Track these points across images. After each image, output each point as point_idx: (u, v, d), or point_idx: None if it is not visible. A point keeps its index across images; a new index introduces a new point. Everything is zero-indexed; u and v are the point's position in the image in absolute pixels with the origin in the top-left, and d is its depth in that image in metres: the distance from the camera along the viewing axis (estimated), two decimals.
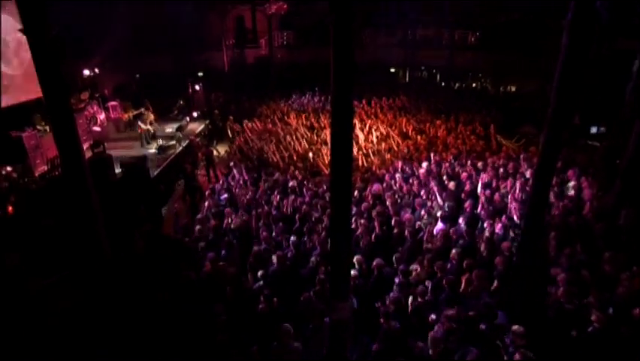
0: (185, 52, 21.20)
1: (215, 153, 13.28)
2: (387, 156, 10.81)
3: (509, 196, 7.81)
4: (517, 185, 7.93)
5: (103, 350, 5.54)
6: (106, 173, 9.30)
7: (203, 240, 7.22)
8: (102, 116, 14.74)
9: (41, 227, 7.62)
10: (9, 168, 9.62)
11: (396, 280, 5.62)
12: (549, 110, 4.27)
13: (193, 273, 6.34)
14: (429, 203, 8.16)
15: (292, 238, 6.74)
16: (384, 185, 8.82)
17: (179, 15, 20.01)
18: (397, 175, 9.28)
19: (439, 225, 7.35)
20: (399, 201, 8.17)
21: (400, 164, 9.85)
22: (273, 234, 7.13)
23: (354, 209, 8.00)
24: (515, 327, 4.22)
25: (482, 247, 6.47)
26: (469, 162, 9.69)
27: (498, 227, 7.03)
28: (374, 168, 9.90)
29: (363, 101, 16.13)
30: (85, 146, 12.66)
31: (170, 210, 9.20)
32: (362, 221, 7.25)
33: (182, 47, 20.88)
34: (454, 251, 6.21)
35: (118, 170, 10.37)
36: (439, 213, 7.64)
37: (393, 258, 6.20)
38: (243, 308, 5.80)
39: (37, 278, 7.18)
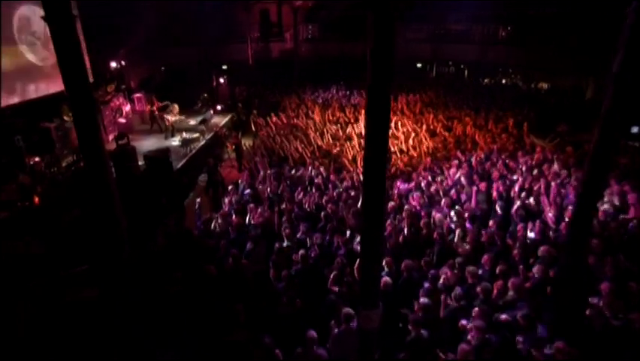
0: (210, 45, 21.20)
1: None
2: (414, 153, 10.46)
3: (543, 199, 7.41)
4: (553, 187, 7.52)
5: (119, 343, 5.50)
6: (129, 165, 9.28)
7: (225, 236, 7.09)
8: (127, 107, 14.85)
9: (67, 217, 7.64)
10: (37, 159, 9.72)
11: (425, 285, 5.34)
12: (603, 108, 3.90)
13: (214, 268, 6.23)
14: (458, 203, 7.83)
15: (316, 236, 6.52)
16: (412, 184, 8.51)
17: (205, 8, 20.02)
18: (425, 174, 8.95)
19: (469, 227, 7.02)
20: (427, 200, 7.85)
21: (428, 162, 9.51)
22: (297, 231, 6.94)
23: None
24: (558, 343, 3.89)
25: (515, 253, 6.13)
26: (500, 161, 9.26)
27: (532, 231, 6.66)
28: (401, 166, 9.58)
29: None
30: (110, 137, 12.84)
31: (193, 204, 9.10)
32: (389, 221, 6.97)
33: (208, 40, 20.88)
34: (486, 256, 5.89)
35: (141, 162, 10.37)
36: (469, 214, 7.31)
37: (422, 261, 5.91)
38: (265, 308, 5.65)
39: (63, 268, 7.20)
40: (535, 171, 8.57)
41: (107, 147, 11.33)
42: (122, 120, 14.11)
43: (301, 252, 6.18)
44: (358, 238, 6.83)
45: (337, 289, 5.65)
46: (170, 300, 5.79)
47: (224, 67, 20.92)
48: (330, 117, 13.67)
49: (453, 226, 6.95)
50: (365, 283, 3.89)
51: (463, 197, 7.99)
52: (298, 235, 6.93)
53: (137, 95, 15.89)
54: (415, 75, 21.68)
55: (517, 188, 7.83)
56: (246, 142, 14.36)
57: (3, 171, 9.65)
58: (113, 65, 16.19)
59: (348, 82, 19.16)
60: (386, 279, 5.53)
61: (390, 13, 3.01)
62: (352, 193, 8.07)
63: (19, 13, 11.17)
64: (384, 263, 5.94)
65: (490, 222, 7.00)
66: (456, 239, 6.57)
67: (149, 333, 5.49)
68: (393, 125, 12.43)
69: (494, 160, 9.43)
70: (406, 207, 7.40)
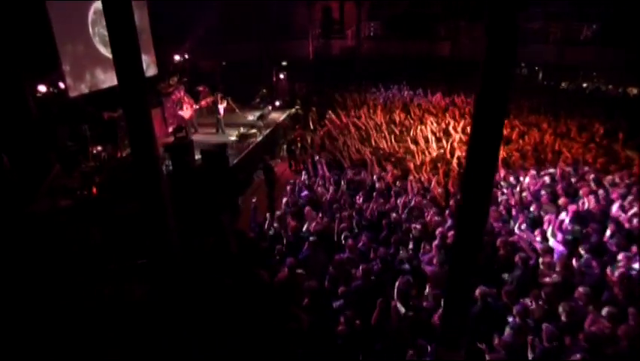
0: (271, 40, 21.14)
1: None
2: None
3: None
4: None
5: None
6: (185, 159, 9.14)
7: (279, 240, 6.68)
8: (188, 100, 14.91)
9: (122, 210, 7.58)
10: (99, 148, 9.87)
11: (510, 320, 4.59)
12: None
13: (266, 274, 5.83)
14: (539, 222, 6.91)
15: (381, 249, 5.92)
16: None
17: (267, 5, 19.93)
18: (501, 185, 8.07)
19: (557, 250, 6.13)
20: (504, 215, 7.00)
21: (502, 172, 8.58)
22: (358, 242, 6.39)
23: (449, 221, 7.01)
24: None
25: (616, 288, 5.20)
26: (590, 175, 8.15)
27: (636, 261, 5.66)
28: None
29: (457, 99, 14.78)
30: (170, 129, 12.93)
31: (247, 202, 8.83)
32: None
33: (268, 36, 20.80)
34: (580, 290, 5.02)
35: (198, 156, 10.26)
36: (555, 237, 6.39)
37: (502, 291, 5.14)
38: (321, 326, 5.16)
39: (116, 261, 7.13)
40: (634, 189, 7.43)
41: (166, 139, 11.49)
42: (182, 113, 14.20)
43: (362, 266, 5.63)
44: (427, 255, 6.21)
45: (403, 311, 5.04)
46: (218, 305, 5.48)
47: (284, 63, 20.77)
48: (393, 118, 12.95)
49: (536, 248, 6.08)
50: (449, 319, 3.25)
51: (546, 214, 7.04)
52: (359, 245, 6.39)
53: (199, 88, 16.00)
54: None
55: (615, 208, 6.77)
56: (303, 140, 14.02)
57: (71, 160, 9.90)
58: (177, 58, 16.42)
59: (412, 82, 18.30)
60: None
61: (513, 13, 2.41)
62: (419, 202, 7.39)
63: (94, 6, 11.48)
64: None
65: (582, 248, 6.06)
66: (541, 265, 5.71)
67: (196, 339, 5.20)
68: (461, 129, 11.55)
69: (583, 174, 8.33)
70: None
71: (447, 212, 7.16)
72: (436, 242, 6.31)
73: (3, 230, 7.18)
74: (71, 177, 8.70)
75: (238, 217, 9.38)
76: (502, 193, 7.82)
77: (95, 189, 7.90)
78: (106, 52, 12.08)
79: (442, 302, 4.02)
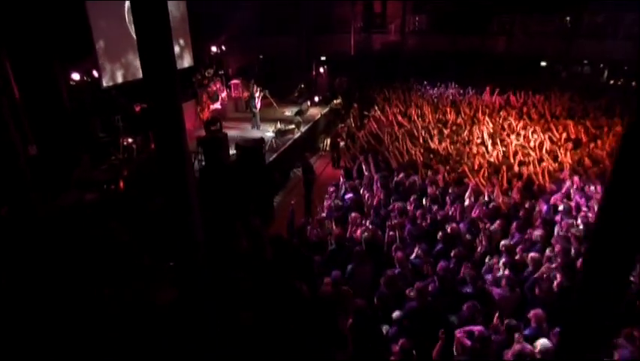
0: (310, 34, 20.61)
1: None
2: (550, 165, 8.51)
3: None
4: None
5: None
6: (218, 154, 8.66)
7: (320, 248, 6.02)
8: (224, 94, 14.60)
9: (151, 206, 7.15)
10: (130, 140, 9.55)
11: None
12: None
13: (306, 288, 5.19)
14: None
15: (440, 264, 5.16)
16: (561, 207, 6.73)
17: None
18: (575, 195, 7.11)
19: None
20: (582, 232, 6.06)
21: (576, 179, 7.59)
22: (411, 254, 5.66)
23: (517, 236, 6.16)
24: None
25: None
26: None
27: None
28: (540, 181, 7.78)
29: (512, 98, 13.71)
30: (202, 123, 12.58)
31: (284, 203, 8.26)
32: (533, 256, 5.38)
33: (308, 29, 20.29)
34: None
35: (232, 151, 9.78)
36: None
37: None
38: (368, 354, 4.48)
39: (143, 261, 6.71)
40: None
41: (198, 133, 11.08)
42: (217, 106, 13.84)
43: (417, 284, 4.90)
44: (492, 273, 5.40)
45: (469, 345, 4.26)
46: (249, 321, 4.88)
47: (323, 58, 20.20)
48: (443, 117, 12.06)
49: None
50: None
51: None
52: (412, 257, 5.66)
53: (235, 81, 15.65)
54: (539, 75, 19.01)
55: None
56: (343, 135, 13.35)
57: (102, 151, 9.65)
58: (214, 49, 16.14)
59: (460, 79, 17.27)
60: (545, 342, 4.05)
61: None
62: (481, 211, 6.56)
63: None
64: (533, 321, 4.44)
65: None
66: None
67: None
68: (519, 130, 10.55)
69: None
70: (557, 240, 5.71)
71: (514, 224, 6.30)
72: (503, 259, 5.52)
73: (30, 222, 6.91)
74: (100, 169, 8.38)
75: (272, 220, 8.82)
76: (577, 203, 6.85)
77: (122, 183, 7.51)
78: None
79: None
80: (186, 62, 13.81)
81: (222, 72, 15.43)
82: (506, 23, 20.41)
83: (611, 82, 18.16)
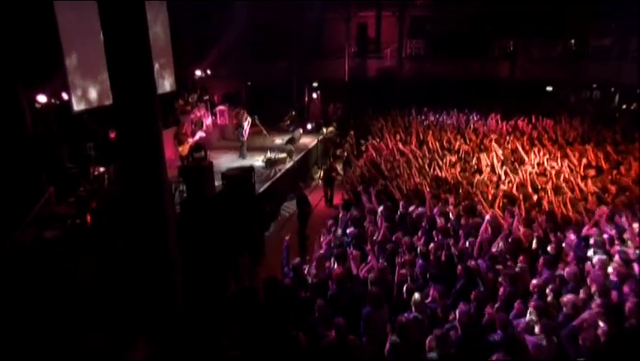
0: (303, 59, 20.70)
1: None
2: (569, 192, 8.21)
3: None
4: None
5: None
6: (202, 185, 8.23)
7: (320, 290, 5.52)
8: (209, 120, 14.29)
9: (120, 244, 6.62)
10: (102, 169, 9.10)
11: None
12: None
13: (304, 337, 4.67)
14: None
15: (461, 307, 4.67)
16: (591, 240, 6.31)
17: (297, 21, 19.61)
18: (605, 226, 6.72)
19: None
20: (627, 271, 5.62)
21: (605, 210, 7.22)
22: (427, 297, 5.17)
23: (545, 273, 5.72)
24: None
25: None
26: None
27: None
28: (563, 211, 7.42)
29: (519, 123, 13.64)
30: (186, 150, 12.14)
31: (276, 240, 7.79)
32: (570, 298, 4.92)
33: (299, 54, 20.46)
34: None
35: (218, 182, 9.35)
36: None
37: None
38: None
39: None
40: None
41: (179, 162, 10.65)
42: (202, 134, 13.49)
43: (436, 331, 4.41)
44: (522, 319, 4.91)
45: None
46: None
47: (315, 84, 20.20)
48: (448, 144, 11.83)
49: None
50: None
51: None
52: (427, 301, 5.18)
53: (221, 107, 15.41)
54: (543, 101, 19.17)
55: None
56: (339, 167, 13.03)
57: (69, 184, 9.12)
58: (198, 73, 15.98)
59: (461, 105, 17.30)
60: None
61: None
62: (503, 246, 6.15)
63: None
64: None
65: None
66: None
67: None
68: (533, 156, 10.32)
69: None
70: (592, 280, 5.26)
71: (541, 260, 5.87)
72: (533, 302, 5.04)
73: None
74: (66, 203, 7.86)
75: (262, 256, 8.31)
76: (610, 236, 6.45)
77: (89, 217, 7.00)
78: None
79: None
80: (168, 85, 13.52)
81: (207, 98, 15.17)
82: (507, 48, 20.71)
83: (624, 106, 18.25)
